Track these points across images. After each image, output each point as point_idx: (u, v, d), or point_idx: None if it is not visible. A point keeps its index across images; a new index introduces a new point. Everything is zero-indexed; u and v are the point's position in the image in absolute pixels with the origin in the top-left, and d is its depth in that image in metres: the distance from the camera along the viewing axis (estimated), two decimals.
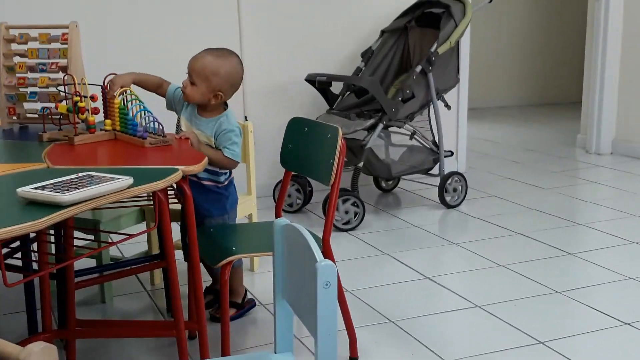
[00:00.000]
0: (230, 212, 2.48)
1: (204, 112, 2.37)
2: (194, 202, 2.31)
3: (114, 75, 2.28)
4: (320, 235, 2.12)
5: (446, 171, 3.95)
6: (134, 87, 2.29)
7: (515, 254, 3.19)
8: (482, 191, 4.29)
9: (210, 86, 2.29)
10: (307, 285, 1.30)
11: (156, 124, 2.15)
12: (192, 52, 2.41)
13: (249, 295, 2.66)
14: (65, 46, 2.37)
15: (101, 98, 2.27)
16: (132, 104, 2.19)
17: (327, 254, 2.12)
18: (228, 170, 2.42)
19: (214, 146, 2.33)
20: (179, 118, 2.43)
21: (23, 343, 0.92)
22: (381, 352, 2.32)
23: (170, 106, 2.45)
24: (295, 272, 1.40)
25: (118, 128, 2.22)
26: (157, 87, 2.43)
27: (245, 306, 2.61)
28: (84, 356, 2.31)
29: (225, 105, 2.40)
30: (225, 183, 2.43)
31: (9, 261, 2.12)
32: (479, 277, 2.96)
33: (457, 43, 3.86)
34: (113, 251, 3.10)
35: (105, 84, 2.26)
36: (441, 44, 3.75)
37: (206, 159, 1.96)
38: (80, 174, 1.64)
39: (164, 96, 2.44)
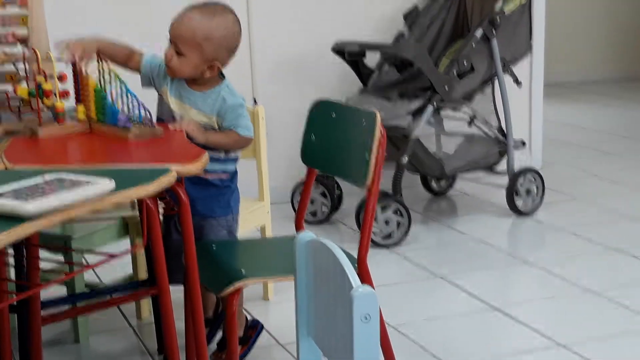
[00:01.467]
0: (235, 211, 2.49)
1: (196, 85, 2.38)
2: (192, 197, 2.33)
3: (67, 41, 2.26)
4: (354, 254, 2.13)
5: (517, 168, 3.94)
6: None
7: (608, 277, 3.17)
8: (563, 193, 4.26)
9: (204, 55, 2.30)
10: (339, 319, 1.31)
11: (142, 110, 2.17)
12: (178, 10, 2.41)
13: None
14: (25, 12, 2.39)
15: (72, 77, 2.29)
16: (110, 85, 2.21)
17: (364, 277, 2.13)
18: (237, 157, 2.45)
19: (216, 127, 2.36)
20: (160, 97, 2.44)
21: None
22: None
23: (148, 82, 2.45)
24: (323, 302, 1.41)
25: (94, 116, 2.25)
26: (126, 59, 2.43)
27: (251, 337, 2.61)
28: None
29: (221, 75, 2.40)
30: (232, 171, 2.46)
31: None
32: (561, 307, 2.94)
33: (530, 0, 3.84)
34: (89, 276, 3.13)
35: (61, 54, 2.26)
36: (508, 1, 3.74)
37: (207, 156, 1.98)
38: (48, 177, 1.66)
39: (136, 70, 2.45)
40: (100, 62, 2.25)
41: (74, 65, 2.29)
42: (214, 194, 2.43)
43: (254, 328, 2.64)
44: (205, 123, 2.35)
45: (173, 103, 2.38)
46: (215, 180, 2.42)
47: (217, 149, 2.33)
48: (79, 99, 2.30)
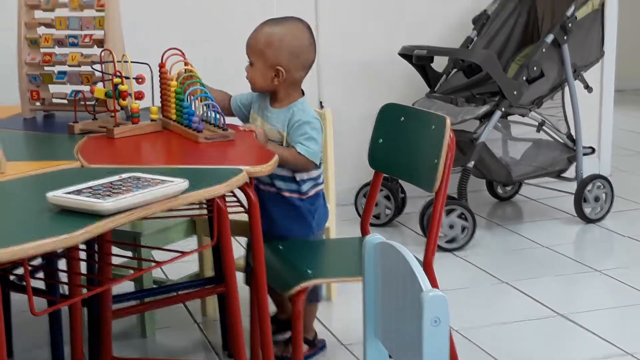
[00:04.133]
0: (317, 232, 2.51)
1: (276, 103, 2.44)
2: (271, 218, 2.39)
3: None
4: (420, 257, 2.14)
5: (585, 174, 3.89)
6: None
7: None
8: (632, 201, 4.20)
9: (267, 62, 2.35)
10: (408, 322, 1.32)
11: (216, 113, 2.21)
12: (256, 21, 2.47)
13: (320, 334, 2.71)
14: (102, 14, 2.45)
15: (151, 79, 2.33)
16: (190, 87, 2.26)
17: (430, 281, 2.12)
18: (313, 177, 2.44)
19: (285, 144, 2.39)
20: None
21: None
22: None
23: (242, 114, 2.53)
24: (391, 304, 1.42)
25: (174, 117, 2.30)
26: (221, 103, 2.42)
27: (318, 345, 2.66)
28: None
29: (301, 93, 2.45)
30: (311, 194, 2.45)
31: (32, 283, 2.22)
32: (630, 316, 2.91)
33: (602, 5, 3.79)
34: (156, 272, 3.19)
35: (164, 61, 2.32)
36: (581, 6, 3.70)
37: (276, 157, 2.01)
38: (124, 176, 1.71)
39: (229, 112, 2.52)
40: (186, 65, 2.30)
41: (160, 67, 2.35)
42: (293, 215, 2.45)
43: (321, 342, 2.68)
44: (278, 139, 2.39)
45: (256, 121, 2.44)
46: (294, 200, 2.43)
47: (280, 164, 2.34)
48: (156, 100, 2.35)
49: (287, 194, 2.43)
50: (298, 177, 2.41)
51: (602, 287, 3.18)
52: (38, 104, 2.60)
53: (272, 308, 2.73)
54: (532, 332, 2.80)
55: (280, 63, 2.35)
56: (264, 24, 2.41)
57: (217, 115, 2.22)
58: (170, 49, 2.34)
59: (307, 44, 2.40)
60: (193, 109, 2.22)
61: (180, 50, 2.34)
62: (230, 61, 2.51)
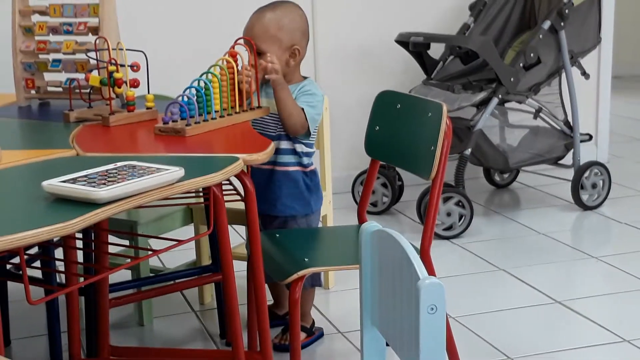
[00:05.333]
0: (315, 212, 2.56)
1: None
2: (274, 197, 2.44)
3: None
4: (417, 245, 2.14)
5: (582, 161, 3.90)
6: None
7: None
8: (630, 187, 4.20)
9: (283, 44, 2.43)
10: (405, 309, 1.32)
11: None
12: (249, 6, 2.48)
13: (318, 322, 2.72)
14: (97, 1, 2.45)
15: (146, 66, 2.31)
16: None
17: (427, 268, 2.12)
18: (309, 153, 2.51)
19: None
20: None
21: None
22: None
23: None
24: (388, 292, 1.43)
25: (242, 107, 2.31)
26: None
27: (315, 333, 2.67)
28: None
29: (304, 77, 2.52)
30: (311, 168, 2.53)
31: (28, 272, 2.22)
32: (626, 302, 2.91)
33: None
34: (153, 260, 3.19)
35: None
36: None
37: (272, 146, 2.01)
38: (120, 164, 1.71)
39: None
40: None
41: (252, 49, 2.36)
42: (295, 193, 2.50)
43: (318, 330, 2.69)
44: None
45: (266, 103, 2.45)
46: (297, 175, 2.49)
47: (280, 105, 2.38)
48: (151, 88, 2.34)
49: (291, 168, 2.48)
50: (298, 148, 2.47)
51: (598, 274, 3.19)
52: (33, 92, 2.60)
53: (269, 297, 2.74)
54: (529, 319, 2.81)
55: (295, 42, 2.44)
56: (262, 11, 2.45)
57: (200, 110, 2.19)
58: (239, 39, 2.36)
59: (306, 21, 2.50)
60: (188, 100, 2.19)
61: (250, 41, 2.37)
62: (221, 49, 2.50)
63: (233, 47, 2.33)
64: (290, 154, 2.48)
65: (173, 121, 2.15)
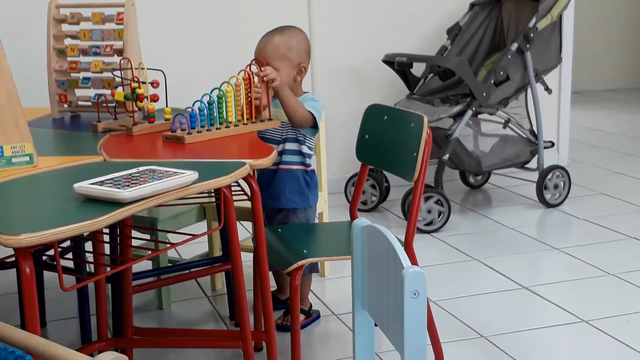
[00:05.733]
0: (312, 206, 2.58)
1: None
2: (278, 193, 2.47)
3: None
4: (402, 238, 2.14)
5: (546, 165, 3.90)
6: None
7: (627, 261, 3.12)
8: (587, 188, 4.20)
9: (292, 62, 2.44)
10: (391, 295, 1.33)
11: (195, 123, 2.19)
12: (255, 30, 2.47)
13: (315, 306, 2.71)
14: (121, 27, 2.45)
15: (164, 83, 2.31)
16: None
17: (410, 259, 2.12)
18: (310, 154, 2.53)
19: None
20: None
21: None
22: None
23: None
24: (376, 280, 1.43)
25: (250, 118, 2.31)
26: None
27: (313, 315, 2.67)
28: None
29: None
30: (312, 168, 2.55)
31: (62, 263, 2.21)
32: (584, 288, 2.91)
33: (560, 17, 3.79)
34: (171, 252, 3.19)
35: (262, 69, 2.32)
36: (541, 18, 3.69)
37: (275, 152, 2.01)
38: (141, 168, 1.71)
39: None
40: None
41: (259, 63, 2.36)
42: (296, 188, 2.50)
43: (315, 312, 2.69)
44: (286, 121, 2.44)
45: (273, 111, 2.46)
46: (300, 173, 2.50)
47: (285, 104, 2.37)
48: (168, 102, 2.35)
49: (294, 167, 2.50)
50: (303, 150, 2.49)
51: (560, 263, 3.19)
52: (65, 106, 2.60)
53: (273, 284, 2.74)
54: (499, 302, 2.81)
55: (301, 61, 2.46)
56: (272, 34, 2.46)
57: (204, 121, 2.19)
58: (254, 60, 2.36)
59: (309, 43, 2.52)
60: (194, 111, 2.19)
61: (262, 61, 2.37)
62: (231, 68, 2.50)
63: (249, 65, 2.32)
64: (295, 155, 2.49)
65: (181, 130, 2.16)
